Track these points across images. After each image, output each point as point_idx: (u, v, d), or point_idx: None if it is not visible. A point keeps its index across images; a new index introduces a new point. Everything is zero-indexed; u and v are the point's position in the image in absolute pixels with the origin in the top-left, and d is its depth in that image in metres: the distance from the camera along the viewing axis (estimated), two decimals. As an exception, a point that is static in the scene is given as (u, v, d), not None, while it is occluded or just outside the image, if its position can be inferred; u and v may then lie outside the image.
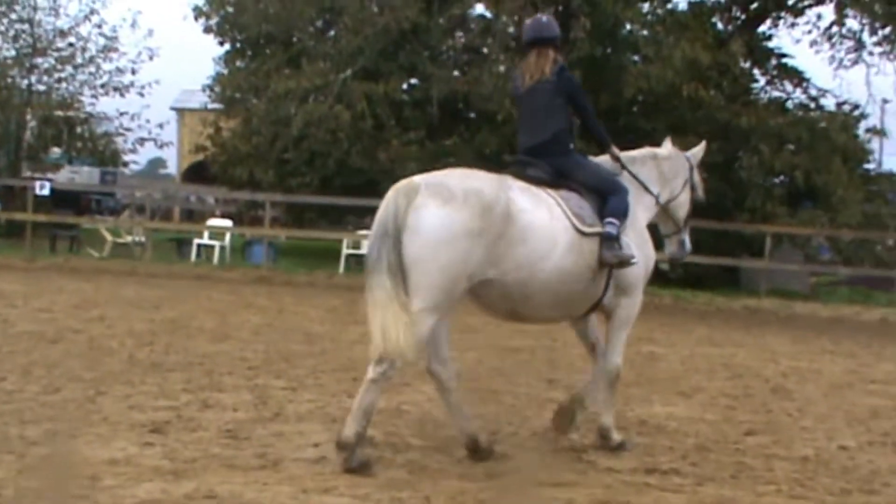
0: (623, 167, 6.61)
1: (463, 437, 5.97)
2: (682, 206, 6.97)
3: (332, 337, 11.05)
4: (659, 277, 23.03)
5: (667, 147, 7.01)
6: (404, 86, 24.17)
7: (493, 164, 23.51)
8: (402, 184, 5.87)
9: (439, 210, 5.58)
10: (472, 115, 25.12)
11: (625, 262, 6.12)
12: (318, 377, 8.39)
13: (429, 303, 5.56)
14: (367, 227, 28.32)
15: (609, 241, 6.03)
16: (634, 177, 6.62)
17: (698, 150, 7.18)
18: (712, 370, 10.21)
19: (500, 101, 20.55)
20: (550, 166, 6.25)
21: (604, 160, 6.61)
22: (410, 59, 23.99)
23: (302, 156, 23.34)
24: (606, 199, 6.20)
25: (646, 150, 6.93)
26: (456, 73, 23.28)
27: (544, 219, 5.83)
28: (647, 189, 6.66)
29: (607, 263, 6.08)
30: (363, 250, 22.17)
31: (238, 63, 25.49)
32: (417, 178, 5.87)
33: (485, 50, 23.34)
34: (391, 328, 5.55)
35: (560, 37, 6.60)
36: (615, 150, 6.62)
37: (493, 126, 22.01)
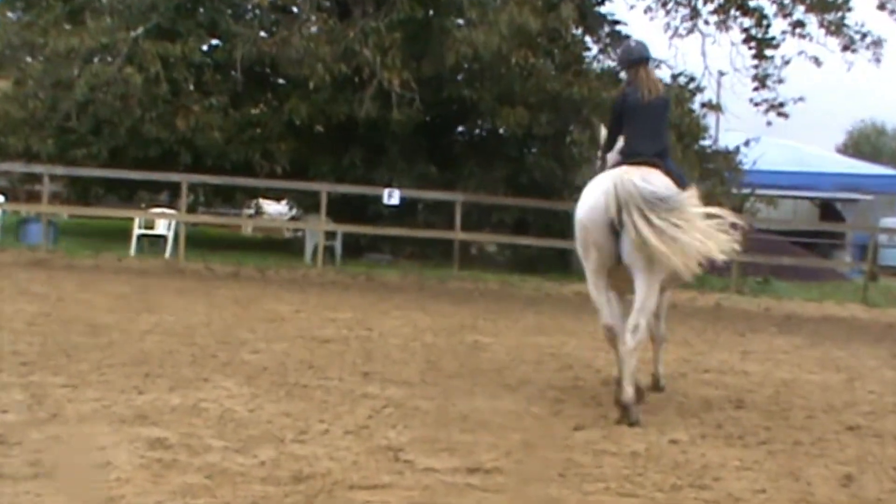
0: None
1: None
2: None
3: (121, 327, 10.79)
4: (484, 261, 23.60)
5: None
6: (204, 47, 23.71)
7: (304, 133, 23.46)
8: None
9: None
10: (281, 80, 24.92)
11: None
12: (104, 373, 8.17)
13: None
14: (163, 204, 27.84)
15: None
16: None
17: None
18: (540, 361, 10.42)
19: (312, 66, 20.43)
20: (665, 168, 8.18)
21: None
22: (211, 16, 23.61)
23: (87, 124, 22.67)
24: None
25: None
26: (263, 33, 22.98)
27: None
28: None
29: None
30: (158, 230, 21.80)
31: (9, 14, 24.45)
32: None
33: (294, 9, 23.17)
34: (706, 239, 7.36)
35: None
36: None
37: (304, 93, 21.91)
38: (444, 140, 25.51)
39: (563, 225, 21.43)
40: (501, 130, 23.80)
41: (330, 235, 22.10)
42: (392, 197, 21.14)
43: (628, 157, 8.30)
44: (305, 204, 25.95)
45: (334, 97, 22.15)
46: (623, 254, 7.70)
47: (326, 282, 18.52)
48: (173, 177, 21.89)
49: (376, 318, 13.27)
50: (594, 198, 7.86)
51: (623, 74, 9.71)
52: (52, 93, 22.43)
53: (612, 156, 8.71)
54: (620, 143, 8.61)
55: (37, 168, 22.22)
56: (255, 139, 23.41)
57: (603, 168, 8.73)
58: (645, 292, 7.65)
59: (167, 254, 21.13)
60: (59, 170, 22.05)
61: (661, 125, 8.52)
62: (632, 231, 7.38)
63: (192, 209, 25.49)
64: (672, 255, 7.28)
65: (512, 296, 18.15)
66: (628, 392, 7.56)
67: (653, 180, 7.65)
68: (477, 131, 25.82)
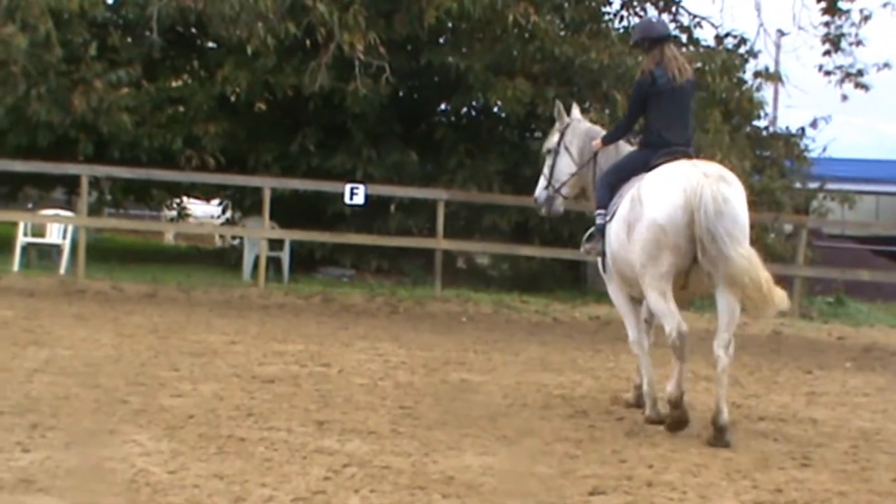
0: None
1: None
2: None
3: (1, 365, 10.75)
4: (474, 277, 23.61)
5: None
6: (109, 0, 23.72)
7: (242, 111, 23.54)
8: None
9: None
10: (210, 44, 24.93)
11: None
12: (-21, 424, 8.15)
13: None
14: (57, 205, 27.73)
15: None
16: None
17: None
18: (547, 405, 10.42)
19: (250, 25, 20.44)
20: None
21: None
22: (118, -41, 23.63)
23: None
24: None
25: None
26: (186, -18, 23.00)
27: None
28: None
29: None
30: (50, 238, 21.76)
31: None
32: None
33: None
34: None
35: None
36: None
37: (241, 60, 21.89)
38: (423, 121, 25.56)
39: (574, 230, 21.47)
40: (496, 109, 23.84)
41: (275, 244, 22.08)
42: (355, 195, 21.10)
43: (660, 148, 9.75)
44: (243, 204, 25.89)
45: (279, 66, 22.17)
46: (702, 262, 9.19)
47: (271, 304, 18.51)
48: (70, 169, 21.84)
49: (336, 350, 13.26)
50: (674, 196, 9.11)
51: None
52: None
53: (624, 144, 10.38)
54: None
55: None
56: (177, 120, 23.38)
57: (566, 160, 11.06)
58: (732, 304, 9.15)
59: (62, 269, 21.10)
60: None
61: (689, 109, 9.98)
62: (724, 250, 8.90)
63: (95, 211, 25.53)
64: (757, 289, 8.89)
65: (510, 321, 18.16)
66: (724, 414, 9.02)
67: (731, 180, 9.25)
68: (465, 110, 25.79)
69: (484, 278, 23.59)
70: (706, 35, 24.29)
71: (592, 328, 17.65)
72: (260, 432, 8.42)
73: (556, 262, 22.13)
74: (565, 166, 11.09)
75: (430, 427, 9.04)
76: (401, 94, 23.56)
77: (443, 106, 26.03)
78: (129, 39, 23.31)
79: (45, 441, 7.75)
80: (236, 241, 25.84)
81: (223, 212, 28.57)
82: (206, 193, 31.28)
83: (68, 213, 22.94)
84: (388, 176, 22.68)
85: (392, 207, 23.81)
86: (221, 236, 30.47)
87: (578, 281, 23.09)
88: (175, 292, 19.08)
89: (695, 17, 24.48)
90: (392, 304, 19.27)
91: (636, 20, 24.59)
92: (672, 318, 9.27)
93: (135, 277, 20.26)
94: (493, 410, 9.97)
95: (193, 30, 24.44)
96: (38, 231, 22.07)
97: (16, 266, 20.87)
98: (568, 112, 11.38)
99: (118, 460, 7.30)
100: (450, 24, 22.65)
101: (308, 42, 21.61)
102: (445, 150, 23.88)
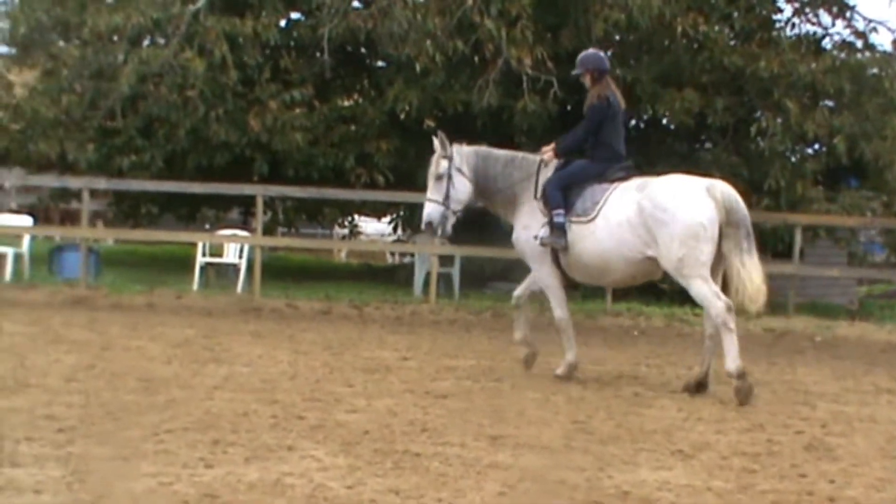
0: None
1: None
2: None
3: (183, 382, 10.96)
4: (647, 291, 23.42)
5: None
6: (282, 22, 24.08)
7: (411, 129, 23.70)
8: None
9: None
10: (380, 63, 25.13)
11: None
12: (162, 440, 8.31)
13: None
14: (233, 225, 28.26)
15: None
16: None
17: None
18: (722, 419, 10.31)
19: (419, 44, 20.58)
20: None
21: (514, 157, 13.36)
22: (289, -18, 23.95)
23: (136, 123, 23.15)
24: None
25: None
26: (356, 2, 23.25)
27: None
28: None
29: None
30: (227, 258, 22.14)
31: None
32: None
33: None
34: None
35: None
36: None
37: (410, 78, 22.00)
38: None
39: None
40: (665, 120, 23.64)
41: (446, 261, 22.11)
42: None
43: (613, 161, 12.50)
44: (413, 221, 26.08)
45: (448, 83, 22.19)
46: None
47: (442, 320, 18.57)
48: (246, 189, 22.17)
49: (507, 366, 13.27)
50: (703, 199, 11.60)
51: (586, 80, 12.81)
52: (91, 85, 22.97)
53: (579, 159, 12.69)
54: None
55: (73, 182, 22.73)
56: (349, 139, 23.58)
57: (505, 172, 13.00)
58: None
59: (239, 287, 21.39)
60: (102, 183, 22.49)
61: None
62: (743, 250, 11.53)
63: (269, 230, 25.84)
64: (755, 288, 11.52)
65: (682, 335, 17.98)
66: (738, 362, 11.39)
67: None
68: (633, 122, 25.63)
69: (655, 292, 23.35)
70: (882, 40, 23.67)
71: (768, 340, 17.39)
72: (434, 447, 8.46)
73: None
74: (462, 186, 12.80)
75: (604, 441, 9.00)
76: (569, 108, 23.48)
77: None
78: (301, 61, 23.57)
79: (227, 456, 7.87)
80: (407, 259, 25.96)
81: (394, 229, 28.76)
82: (376, 211, 31.59)
83: (244, 233, 23.26)
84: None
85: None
86: (392, 253, 30.69)
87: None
88: (348, 309, 19.23)
89: (870, 21, 23.89)
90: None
91: (809, 27, 24.21)
92: (717, 297, 11.38)
93: (308, 295, 20.46)
94: (667, 424, 9.89)
95: (363, 49, 24.66)
96: (216, 251, 22.44)
97: (195, 285, 21.24)
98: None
99: (297, 475, 7.39)
100: (617, 37, 22.52)
101: (476, 58, 21.70)
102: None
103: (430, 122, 23.89)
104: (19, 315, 16.47)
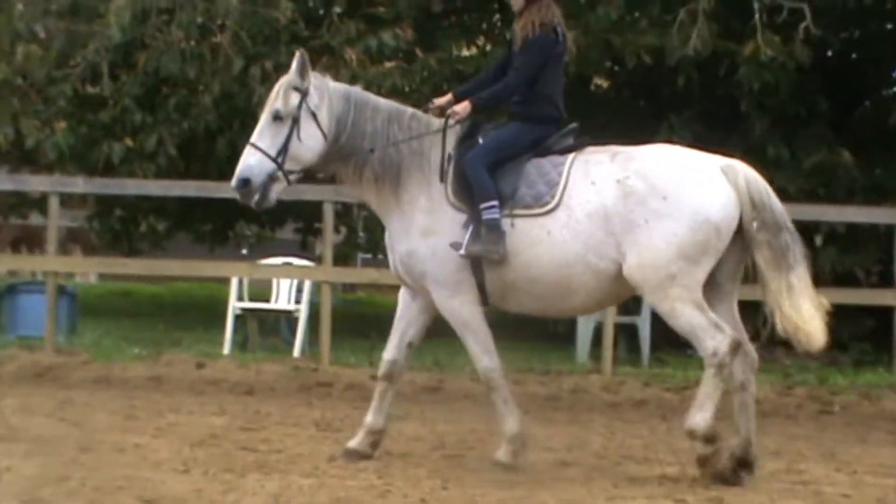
0: None
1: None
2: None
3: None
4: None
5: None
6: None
7: (572, 91, 24.05)
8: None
9: None
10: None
11: None
12: None
13: None
14: (288, 251, 28.50)
15: None
16: None
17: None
18: None
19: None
20: None
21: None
22: None
23: (133, 89, 23.39)
24: None
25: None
26: None
27: None
28: None
29: None
30: (277, 303, 22.24)
31: None
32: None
33: None
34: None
35: None
36: None
37: (568, 12, 22.04)
38: (865, 98, 25.68)
39: None
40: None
41: (629, 304, 22.06)
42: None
43: (552, 123, 12.87)
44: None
45: (628, 19, 22.41)
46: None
47: (623, 401, 18.67)
48: (306, 193, 21.83)
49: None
50: (722, 186, 12.01)
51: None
52: (63, 27, 23.19)
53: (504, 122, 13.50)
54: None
55: (34, 182, 22.97)
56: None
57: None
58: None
59: (297, 349, 21.56)
60: (79, 184, 22.45)
61: None
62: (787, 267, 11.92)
63: (343, 257, 25.90)
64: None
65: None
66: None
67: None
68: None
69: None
70: None
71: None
72: None
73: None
74: (312, 138, 12.76)
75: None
76: (829, 53, 23.37)
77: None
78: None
79: None
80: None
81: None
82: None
83: (303, 262, 23.34)
84: (809, 187, 22.44)
85: (818, 239, 23.50)
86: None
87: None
88: (468, 384, 18.94)
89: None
90: (820, 398, 19.14)
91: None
92: (718, 331, 11.81)
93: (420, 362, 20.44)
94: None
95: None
96: (259, 291, 22.54)
97: (226, 346, 21.35)
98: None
99: None
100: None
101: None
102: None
103: (600, 81, 23.95)
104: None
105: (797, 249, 11.85)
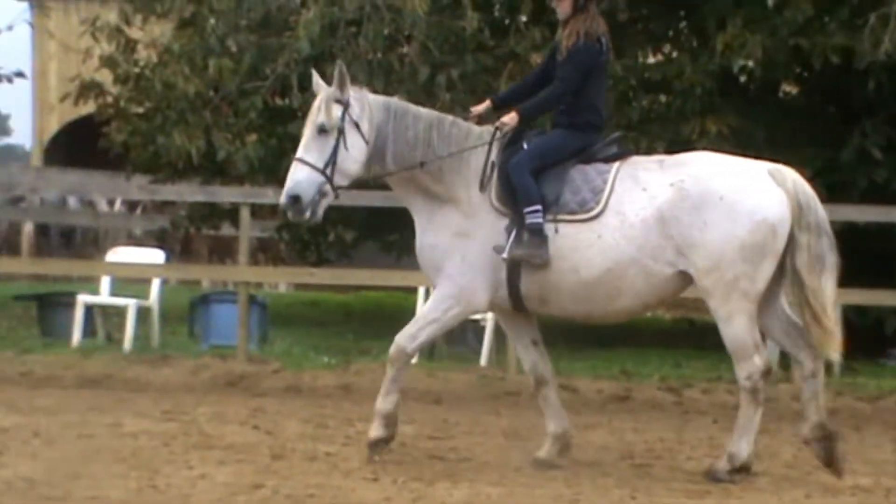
0: None
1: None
2: None
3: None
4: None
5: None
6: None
7: (757, 98, 24.02)
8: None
9: None
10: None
11: None
12: None
13: None
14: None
15: None
16: None
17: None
18: None
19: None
20: None
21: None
22: None
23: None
24: None
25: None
26: None
27: None
28: None
29: None
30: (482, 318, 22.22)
31: None
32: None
33: None
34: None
35: None
36: None
37: (753, 14, 21.89)
38: None
39: None
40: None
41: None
42: None
43: (598, 131, 13.33)
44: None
45: (816, 21, 21.76)
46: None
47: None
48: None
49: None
50: (772, 189, 12.42)
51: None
52: (254, 41, 23.39)
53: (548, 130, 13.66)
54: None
55: (226, 194, 23.22)
56: (656, 116, 23.93)
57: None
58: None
59: (484, 357, 21.31)
60: (270, 195, 22.51)
61: None
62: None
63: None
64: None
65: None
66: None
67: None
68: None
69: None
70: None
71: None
72: None
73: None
74: (357, 149, 13.02)
75: None
76: None
77: None
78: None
79: None
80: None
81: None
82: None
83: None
84: None
85: None
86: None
87: None
88: (657, 393, 19.06)
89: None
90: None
91: None
92: (757, 354, 12.47)
93: (595, 369, 20.46)
94: None
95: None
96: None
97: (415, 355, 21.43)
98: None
99: None
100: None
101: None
102: None
103: (788, 88, 23.75)
104: (146, 403, 16.99)
105: (832, 257, 12.33)
